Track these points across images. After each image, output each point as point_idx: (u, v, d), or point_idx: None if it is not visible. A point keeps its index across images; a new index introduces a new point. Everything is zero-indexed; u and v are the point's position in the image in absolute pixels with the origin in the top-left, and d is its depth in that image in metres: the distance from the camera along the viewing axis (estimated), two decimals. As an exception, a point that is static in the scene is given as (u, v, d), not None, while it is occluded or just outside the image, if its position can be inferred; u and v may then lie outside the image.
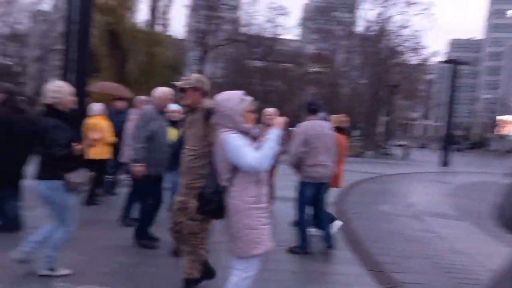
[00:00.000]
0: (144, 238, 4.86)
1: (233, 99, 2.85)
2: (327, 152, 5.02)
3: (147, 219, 4.87)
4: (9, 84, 5.64)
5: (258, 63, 37.82)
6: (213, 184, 2.84)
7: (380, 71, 37.57)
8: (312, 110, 5.15)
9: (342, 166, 5.76)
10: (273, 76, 35.99)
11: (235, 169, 2.76)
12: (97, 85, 11.77)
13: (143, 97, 6.74)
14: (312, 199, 5.12)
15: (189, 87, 3.61)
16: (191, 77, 3.73)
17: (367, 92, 38.11)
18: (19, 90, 5.36)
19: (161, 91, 4.85)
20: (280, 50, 39.24)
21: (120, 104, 7.63)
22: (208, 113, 3.31)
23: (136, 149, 4.66)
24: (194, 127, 3.57)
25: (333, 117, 5.83)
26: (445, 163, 24.40)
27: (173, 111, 5.99)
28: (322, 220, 5.28)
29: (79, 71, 6.93)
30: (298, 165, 5.05)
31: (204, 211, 2.90)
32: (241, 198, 2.77)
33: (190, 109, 3.65)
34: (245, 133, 2.83)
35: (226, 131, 2.81)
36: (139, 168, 4.65)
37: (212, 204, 2.81)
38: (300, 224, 5.18)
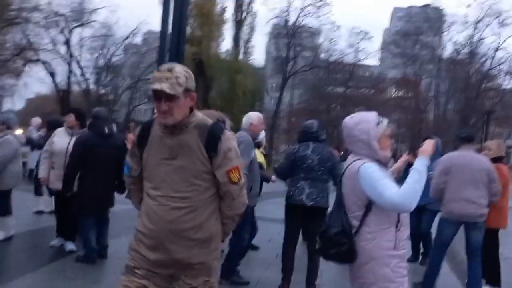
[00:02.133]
0: (234, 274, 4.54)
1: (369, 122, 2.43)
2: (476, 187, 4.34)
3: (240, 255, 4.56)
4: (99, 108, 5.78)
5: (339, 89, 37.22)
6: (339, 222, 2.34)
7: (471, 97, 35.30)
8: (465, 139, 4.62)
9: (506, 202, 4.92)
10: (354, 102, 35.14)
11: (369, 206, 2.30)
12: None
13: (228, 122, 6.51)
14: (448, 240, 4.55)
15: (176, 93, 2.11)
16: (171, 68, 2.16)
17: (455, 119, 35.88)
18: (107, 114, 5.50)
19: (257, 116, 4.63)
20: (362, 75, 38.38)
21: None
22: (213, 133, 2.18)
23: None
24: (183, 157, 2.18)
25: (490, 143, 5.16)
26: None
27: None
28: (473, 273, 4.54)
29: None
30: (440, 198, 4.54)
31: (328, 255, 2.43)
32: (376, 242, 2.29)
33: (176, 128, 2.19)
34: (382, 162, 2.40)
35: (358, 159, 2.39)
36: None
37: (338, 247, 2.31)
38: (430, 266, 4.60)
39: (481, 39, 35.96)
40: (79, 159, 4.86)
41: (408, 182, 2.26)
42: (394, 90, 39.93)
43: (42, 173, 5.46)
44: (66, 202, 5.15)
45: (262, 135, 5.87)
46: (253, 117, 4.61)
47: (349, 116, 2.53)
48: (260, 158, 5.59)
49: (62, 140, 5.34)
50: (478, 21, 35.62)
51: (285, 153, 4.70)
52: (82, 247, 5.06)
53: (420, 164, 2.32)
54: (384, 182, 2.25)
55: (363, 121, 2.44)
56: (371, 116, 2.48)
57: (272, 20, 31.98)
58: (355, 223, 2.33)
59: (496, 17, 34.77)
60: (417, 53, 40.06)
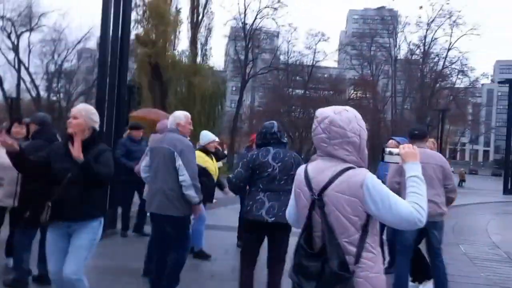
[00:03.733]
0: None
1: (357, 120, 1.95)
2: (430, 185, 3.89)
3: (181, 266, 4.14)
4: (42, 114, 5.17)
5: (299, 91, 37.24)
6: (335, 252, 1.82)
7: (426, 96, 36.14)
8: (417, 136, 4.28)
9: None
10: (314, 103, 35.27)
11: (366, 227, 1.85)
12: (139, 111, 11.41)
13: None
14: (411, 244, 4.23)
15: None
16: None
17: (412, 118, 36.70)
18: (51, 120, 4.91)
19: (184, 115, 4.22)
20: (321, 77, 38.62)
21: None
22: None
23: (196, 187, 4.03)
24: None
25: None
26: (510, 191, 22.61)
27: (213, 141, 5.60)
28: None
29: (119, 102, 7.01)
30: None
31: None
32: (377, 267, 1.87)
33: None
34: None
35: (349, 168, 1.88)
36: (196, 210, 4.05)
37: (343, 282, 1.81)
38: (397, 275, 4.23)
39: (434, 39, 37.00)
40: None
41: (419, 194, 1.86)
42: (352, 91, 40.42)
43: None
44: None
45: (207, 138, 5.53)
46: (180, 116, 4.14)
47: (331, 110, 1.99)
48: (207, 163, 5.20)
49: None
50: (431, 22, 36.67)
51: (240, 159, 4.05)
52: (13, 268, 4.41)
53: (419, 171, 1.94)
54: (395, 196, 1.84)
55: (352, 119, 1.95)
56: (356, 113, 2.00)
57: (229, 22, 31.66)
58: (351, 249, 1.85)
59: (448, 18, 35.88)
60: (373, 54, 40.80)
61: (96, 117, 3.29)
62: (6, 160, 4.47)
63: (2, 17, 28.41)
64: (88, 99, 39.75)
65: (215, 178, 5.47)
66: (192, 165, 3.95)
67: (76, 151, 3.05)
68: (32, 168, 3.28)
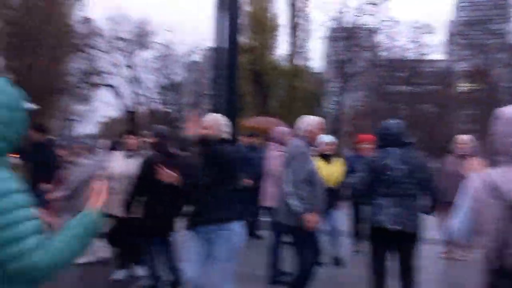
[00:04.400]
0: None
1: None
2: None
3: (308, 275, 4.03)
4: (162, 127, 5.48)
5: (402, 87, 35.69)
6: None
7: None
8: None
9: None
10: (420, 100, 33.51)
11: None
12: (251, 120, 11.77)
13: (285, 129, 5.85)
14: None
15: None
16: None
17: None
18: (171, 133, 5.12)
19: (313, 120, 4.06)
20: (427, 71, 36.60)
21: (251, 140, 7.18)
22: None
23: (300, 196, 3.78)
24: None
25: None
26: None
27: (326, 143, 5.25)
28: None
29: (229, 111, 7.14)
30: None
31: None
32: None
33: None
34: None
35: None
36: (313, 218, 3.76)
37: None
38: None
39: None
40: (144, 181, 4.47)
41: None
42: (463, 83, 37.66)
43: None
44: (125, 228, 4.85)
45: (321, 140, 5.21)
46: (308, 122, 4.04)
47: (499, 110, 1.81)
48: (320, 168, 4.90)
49: (120, 163, 5.11)
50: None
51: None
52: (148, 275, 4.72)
53: None
54: None
55: None
56: None
57: (327, 23, 31.47)
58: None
59: None
60: (485, 43, 37.65)
61: (225, 127, 3.38)
62: (116, 170, 4.99)
63: (118, 38, 31.44)
64: (197, 109, 42.22)
65: (333, 183, 5.22)
66: (299, 173, 3.80)
67: (166, 176, 3.22)
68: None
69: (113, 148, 6.20)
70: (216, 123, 3.35)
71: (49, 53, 18.47)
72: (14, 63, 18.10)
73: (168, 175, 3.27)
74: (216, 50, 7.53)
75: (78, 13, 23.40)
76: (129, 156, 5.06)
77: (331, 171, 5.17)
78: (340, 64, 33.90)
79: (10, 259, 1.44)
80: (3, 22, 18.04)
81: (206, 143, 3.24)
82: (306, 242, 3.92)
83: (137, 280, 5.03)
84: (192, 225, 3.25)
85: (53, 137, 10.61)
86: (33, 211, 1.54)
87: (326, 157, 5.15)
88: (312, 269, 4.00)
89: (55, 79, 19.83)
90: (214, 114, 3.61)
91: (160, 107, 40.24)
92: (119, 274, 5.24)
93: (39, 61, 18.52)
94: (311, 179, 3.81)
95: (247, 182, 6.43)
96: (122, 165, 5.07)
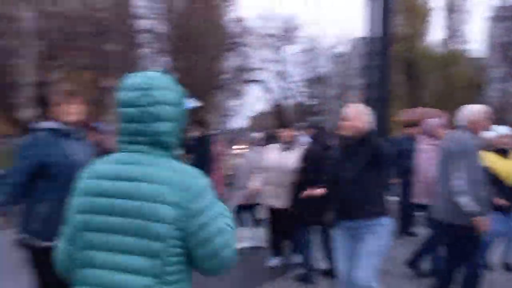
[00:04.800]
0: None
1: None
2: None
3: (476, 279, 3.70)
4: (318, 118, 5.53)
5: None
6: None
7: None
8: None
9: None
10: None
11: None
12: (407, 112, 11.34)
13: (437, 121, 5.34)
14: None
15: None
16: None
17: None
18: (325, 125, 5.14)
19: (476, 110, 3.60)
20: None
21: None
22: None
23: (469, 196, 3.38)
24: None
25: None
26: None
27: (502, 136, 4.56)
28: None
29: (380, 102, 6.79)
30: None
31: None
32: None
33: None
34: None
35: None
36: (485, 222, 3.41)
37: None
38: None
39: None
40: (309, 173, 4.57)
41: None
42: None
43: (255, 185, 5.49)
44: (283, 217, 5.05)
45: (495, 132, 4.55)
46: (472, 110, 3.60)
47: None
48: (497, 164, 4.38)
49: (274, 155, 5.27)
50: None
51: None
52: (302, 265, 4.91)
53: None
54: None
55: None
56: None
57: (490, 1, 28.30)
58: None
59: None
60: None
61: (369, 117, 3.24)
62: (271, 162, 5.18)
63: (270, 35, 32.70)
64: (344, 101, 41.85)
65: None
66: (467, 169, 3.43)
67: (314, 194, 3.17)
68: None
69: (268, 141, 6.47)
70: (360, 114, 3.22)
71: (208, 53, 20.05)
72: (179, 63, 20.09)
73: (317, 193, 3.22)
74: (367, 39, 7.36)
75: (232, 14, 24.98)
76: (285, 149, 5.18)
77: (510, 167, 4.52)
78: (505, 47, 30.25)
79: (204, 258, 1.47)
80: (170, 26, 20.14)
81: (361, 136, 3.16)
82: (473, 244, 3.57)
83: (292, 268, 5.20)
84: (340, 219, 3.24)
85: (212, 131, 11.51)
86: (222, 205, 1.58)
87: (502, 152, 4.59)
88: (480, 273, 3.70)
89: (213, 77, 21.45)
90: (357, 105, 3.47)
91: (306, 100, 40.82)
92: (274, 261, 5.46)
93: (200, 60, 20.25)
94: (478, 176, 3.46)
95: (395, 181, 6.17)
96: (278, 157, 5.22)
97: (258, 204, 6.14)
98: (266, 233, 5.68)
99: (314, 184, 4.37)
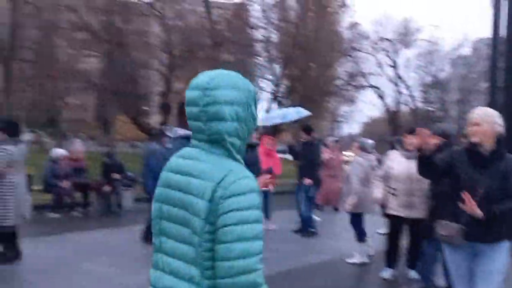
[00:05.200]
0: None
1: None
2: None
3: None
4: (445, 125, 5.25)
5: None
6: None
7: None
8: None
9: None
10: None
11: None
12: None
13: None
14: None
15: None
16: None
17: None
18: (455, 133, 4.81)
19: None
20: None
21: None
22: None
23: None
24: None
25: None
26: None
27: None
28: None
29: (507, 108, 6.54)
30: None
31: None
32: None
33: None
34: None
35: None
36: None
37: None
38: None
39: None
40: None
41: None
42: None
43: (378, 196, 5.37)
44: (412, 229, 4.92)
45: None
46: None
47: None
48: None
49: (400, 163, 5.12)
50: None
51: None
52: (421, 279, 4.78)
53: None
54: None
55: None
56: None
57: None
58: None
59: None
60: None
61: (500, 120, 2.99)
62: (400, 172, 4.98)
63: (382, 39, 31.67)
64: (464, 106, 38.92)
65: None
66: None
67: (470, 208, 2.81)
68: (432, 171, 3.14)
69: (393, 147, 6.27)
70: (489, 116, 2.93)
71: (321, 59, 20.01)
72: (290, 70, 20.37)
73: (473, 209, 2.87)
74: (492, 41, 6.87)
75: (346, 19, 24.69)
76: (409, 157, 4.95)
77: None
78: None
79: (234, 273, 1.39)
80: (283, 35, 20.50)
81: (493, 144, 2.90)
82: None
83: (409, 282, 4.98)
84: (467, 239, 2.94)
85: (320, 137, 11.47)
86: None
87: None
88: None
89: (325, 83, 21.34)
90: (484, 108, 3.20)
91: (422, 105, 38.69)
92: (388, 273, 5.31)
93: (313, 67, 20.28)
94: None
95: None
96: (403, 165, 5.04)
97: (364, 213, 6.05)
98: (384, 243, 5.53)
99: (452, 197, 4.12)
